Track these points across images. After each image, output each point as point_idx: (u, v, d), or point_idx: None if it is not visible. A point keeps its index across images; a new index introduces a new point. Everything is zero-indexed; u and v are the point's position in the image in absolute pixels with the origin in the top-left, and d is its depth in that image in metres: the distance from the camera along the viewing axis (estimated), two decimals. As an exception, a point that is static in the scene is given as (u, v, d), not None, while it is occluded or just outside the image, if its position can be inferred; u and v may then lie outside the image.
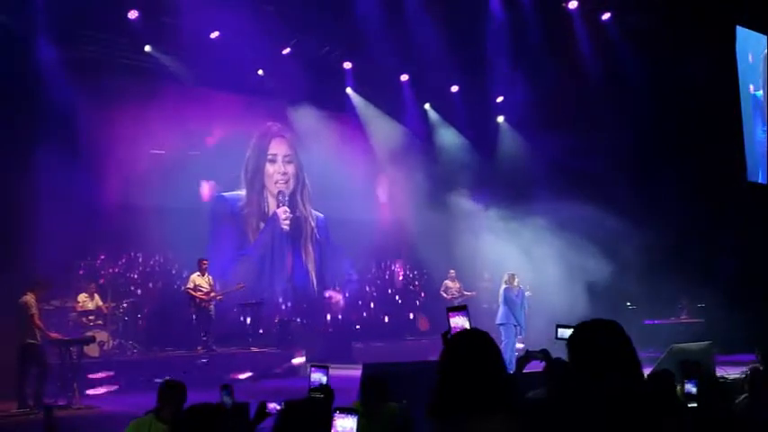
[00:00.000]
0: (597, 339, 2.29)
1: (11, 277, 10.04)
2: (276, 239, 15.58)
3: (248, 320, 13.84)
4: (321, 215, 16.38)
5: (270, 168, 15.66)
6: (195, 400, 3.44)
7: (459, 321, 3.80)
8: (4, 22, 11.19)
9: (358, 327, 15.68)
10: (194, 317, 12.77)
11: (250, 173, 15.46)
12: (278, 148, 15.81)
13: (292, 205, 15.88)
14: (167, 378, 4.73)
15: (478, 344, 2.31)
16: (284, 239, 15.70)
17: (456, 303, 15.58)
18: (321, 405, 3.79)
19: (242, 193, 15.32)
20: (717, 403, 4.84)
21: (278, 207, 15.67)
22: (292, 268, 15.84)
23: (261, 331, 13.87)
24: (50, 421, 4.66)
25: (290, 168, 15.92)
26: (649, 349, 13.53)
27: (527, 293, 12.71)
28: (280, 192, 15.68)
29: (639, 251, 15.54)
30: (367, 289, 16.74)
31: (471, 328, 2.51)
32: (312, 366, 4.33)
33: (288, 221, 15.68)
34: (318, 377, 4.20)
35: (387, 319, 16.28)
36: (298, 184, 16.02)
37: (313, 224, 16.20)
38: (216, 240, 14.68)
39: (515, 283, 12.33)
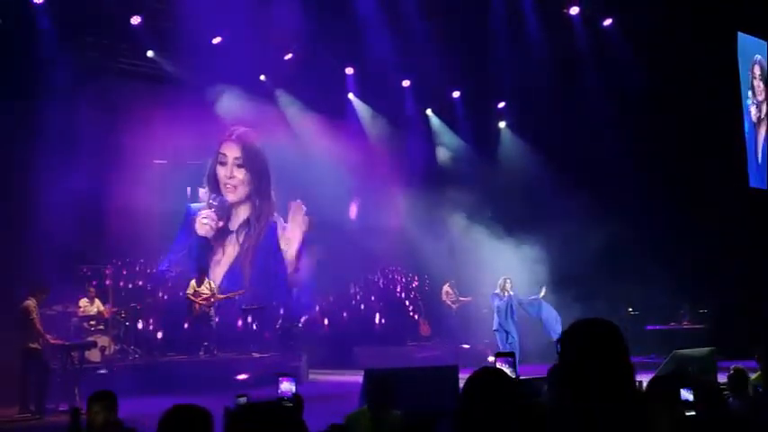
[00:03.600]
0: (584, 349, 2.17)
1: (12, 282, 10.05)
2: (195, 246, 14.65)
3: (249, 325, 13.83)
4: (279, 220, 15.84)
5: (221, 171, 15.00)
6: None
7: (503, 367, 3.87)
8: (8, 28, 11.23)
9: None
10: (191, 322, 12.77)
11: (211, 178, 14.99)
12: (228, 149, 15.06)
13: (252, 213, 15.24)
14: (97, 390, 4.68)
15: (489, 383, 2.35)
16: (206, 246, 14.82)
17: (454, 308, 15.65)
18: (290, 413, 3.79)
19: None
20: (715, 408, 4.84)
21: (208, 209, 14.70)
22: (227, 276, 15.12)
23: (265, 335, 13.82)
24: (76, 424, 4.65)
25: (240, 174, 15.09)
26: (651, 355, 13.53)
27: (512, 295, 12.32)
28: (217, 197, 14.75)
29: (640, 257, 15.54)
30: (368, 294, 16.72)
31: (486, 367, 2.55)
32: (280, 376, 4.30)
33: (208, 227, 14.63)
34: (288, 387, 4.20)
35: (388, 325, 16.25)
36: (253, 192, 15.24)
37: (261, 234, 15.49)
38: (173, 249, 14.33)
39: (507, 288, 11.99)
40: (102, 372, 10.77)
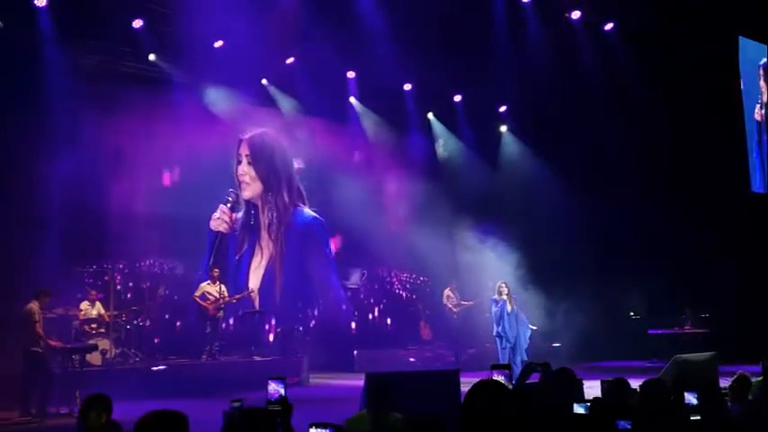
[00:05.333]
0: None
1: (13, 285, 10.05)
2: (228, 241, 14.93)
3: (250, 329, 13.83)
4: (311, 215, 16.06)
5: (238, 169, 15.23)
6: (198, 409, 3.44)
7: (495, 376, 3.94)
8: (10, 30, 11.25)
9: (354, 332, 15.67)
10: (198, 324, 12.80)
11: (234, 178, 15.27)
12: (242, 148, 15.31)
13: (266, 210, 15.44)
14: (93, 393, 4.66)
15: (484, 395, 2.49)
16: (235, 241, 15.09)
17: (456, 312, 15.58)
18: (278, 417, 3.81)
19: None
20: (718, 414, 4.84)
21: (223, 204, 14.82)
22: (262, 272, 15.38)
23: (268, 339, 13.83)
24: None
25: (251, 170, 15.27)
26: (653, 359, 13.52)
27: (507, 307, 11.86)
28: (230, 192, 14.92)
29: (642, 261, 15.53)
30: (369, 297, 16.71)
31: (484, 380, 2.63)
32: (270, 378, 4.31)
33: (220, 221, 14.71)
34: (276, 389, 4.19)
35: (389, 328, 16.23)
36: (265, 189, 15.48)
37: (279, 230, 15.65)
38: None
39: (503, 293, 11.75)
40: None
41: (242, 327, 14.00)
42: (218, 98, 14.23)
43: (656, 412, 4.26)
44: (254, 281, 15.15)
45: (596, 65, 14.79)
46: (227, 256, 14.88)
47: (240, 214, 15.19)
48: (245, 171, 15.27)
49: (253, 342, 13.57)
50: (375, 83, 15.35)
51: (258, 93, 14.93)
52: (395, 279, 17.26)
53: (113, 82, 12.81)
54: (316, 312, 15.62)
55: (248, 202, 15.33)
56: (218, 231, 14.67)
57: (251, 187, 15.33)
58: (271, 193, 15.58)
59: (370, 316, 16.40)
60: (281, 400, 4.11)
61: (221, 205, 14.74)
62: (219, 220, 14.73)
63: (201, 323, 12.86)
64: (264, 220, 15.52)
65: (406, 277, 17.30)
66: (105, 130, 12.39)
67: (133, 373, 11.33)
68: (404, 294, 17.24)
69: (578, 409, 4.29)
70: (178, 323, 13.42)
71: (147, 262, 13.75)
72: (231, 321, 13.93)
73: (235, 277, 14.83)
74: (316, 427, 3.45)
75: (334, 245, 16.54)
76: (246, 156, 15.31)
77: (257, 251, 15.42)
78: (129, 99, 12.85)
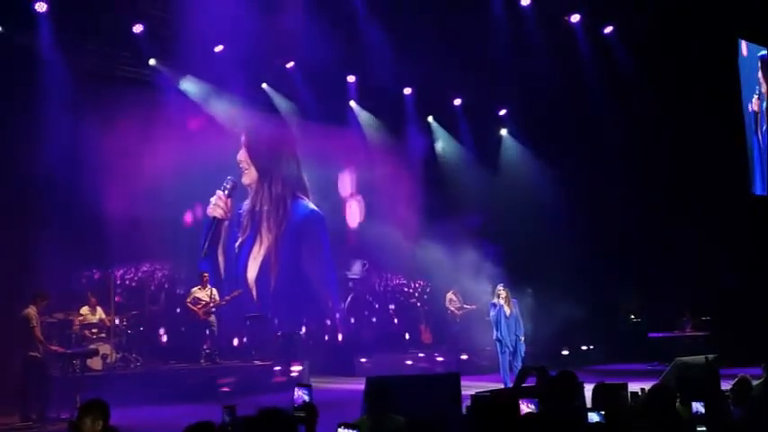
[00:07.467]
0: None
1: (12, 289, 10.05)
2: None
3: (250, 333, 13.82)
4: (310, 208, 16.12)
5: (238, 156, 15.36)
6: (199, 414, 3.44)
7: (524, 408, 4.09)
8: (11, 36, 11.28)
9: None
10: (190, 329, 12.77)
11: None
12: (242, 135, 15.39)
13: (263, 198, 15.60)
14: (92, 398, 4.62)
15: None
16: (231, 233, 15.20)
17: (458, 315, 15.57)
18: (303, 423, 3.81)
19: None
20: (720, 417, 4.83)
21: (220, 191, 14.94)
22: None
23: (269, 343, 13.83)
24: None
25: (247, 156, 15.40)
26: (654, 363, 13.51)
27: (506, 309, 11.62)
28: (229, 179, 14.98)
29: (642, 263, 15.53)
30: (370, 300, 16.70)
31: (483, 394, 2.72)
32: (297, 385, 4.33)
33: (216, 207, 14.80)
34: (301, 395, 4.21)
35: (390, 332, 16.21)
36: (263, 176, 15.58)
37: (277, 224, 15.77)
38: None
39: (501, 296, 11.61)
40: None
41: (242, 331, 13.97)
42: (217, 102, 14.25)
43: (662, 418, 4.24)
44: (253, 269, 15.27)
45: (596, 67, 14.81)
46: (226, 244, 14.98)
47: (246, 202, 15.39)
48: (243, 158, 15.44)
49: (253, 346, 13.54)
50: (375, 87, 15.37)
51: (258, 96, 14.93)
52: (395, 282, 17.22)
53: (113, 86, 12.82)
54: (313, 314, 15.60)
55: (251, 189, 15.51)
56: (214, 217, 14.80)
57: (248, 173, 15.48)
58: (266, 182, 15.68)
59: (372, 320, 16.37)
60: (306, 406, 4.13)
61: (218, 191, 14.85)
62: (215, 205, 14.87)
63: (194, 328, 12.81)
64: (264, 208, 15.64)
65: (407, 280, 17.25)
66: (105, 134, 12.38)
67: (134, 377, 11.31)
68: (404, 298, 17.21)
69: (594, 417, 4.22)
70: (178, 328, 13.40)
71: (148, 266, 13.75)
72: (231, 325, 13.91)
73: (235, 265, 14.95)
74: (344, 428, 3.50)
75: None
76: (243, 142, 15.46)
77: (257, 239, 15.53)
78: (128, 103, 12.85)
